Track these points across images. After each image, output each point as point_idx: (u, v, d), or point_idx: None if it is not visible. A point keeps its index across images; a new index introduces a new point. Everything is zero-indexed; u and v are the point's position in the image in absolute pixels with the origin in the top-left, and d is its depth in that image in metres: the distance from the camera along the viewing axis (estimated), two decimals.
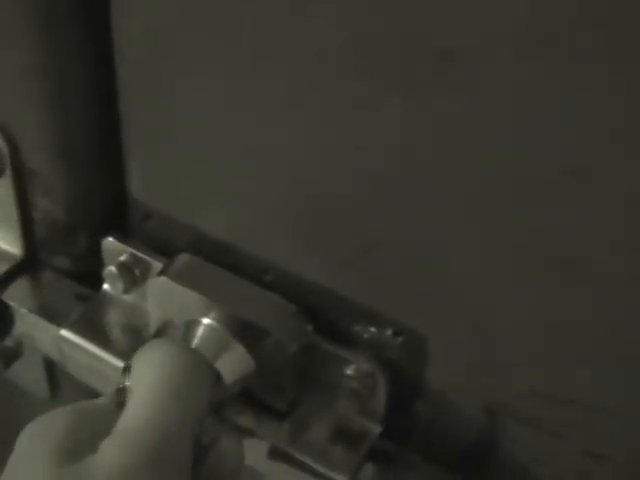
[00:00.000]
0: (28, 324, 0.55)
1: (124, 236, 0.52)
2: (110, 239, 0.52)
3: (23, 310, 0.55)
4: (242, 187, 0.47)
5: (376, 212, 0.43)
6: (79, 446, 0.38)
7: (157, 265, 0.51)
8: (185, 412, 0.39)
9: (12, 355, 0.59)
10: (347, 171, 0.43)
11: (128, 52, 0.46)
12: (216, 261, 0.49)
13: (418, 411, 0.48)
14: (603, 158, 0.36)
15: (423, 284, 0.44)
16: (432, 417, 0.47)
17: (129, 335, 0.53)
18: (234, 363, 0.47)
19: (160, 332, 0.51)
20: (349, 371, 0.47)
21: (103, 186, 0.53)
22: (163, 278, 0.49)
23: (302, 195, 0.45)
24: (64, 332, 0.52)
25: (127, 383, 0.42)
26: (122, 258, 0.51)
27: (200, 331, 0.48)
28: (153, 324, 0.51)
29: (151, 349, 0.42)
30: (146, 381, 0.40)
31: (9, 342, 0.58)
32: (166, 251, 0.51)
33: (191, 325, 0.48)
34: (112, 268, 0.51)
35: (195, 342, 0.48)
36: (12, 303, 0.55)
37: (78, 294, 0.55)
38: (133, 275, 0.51)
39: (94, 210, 0.53)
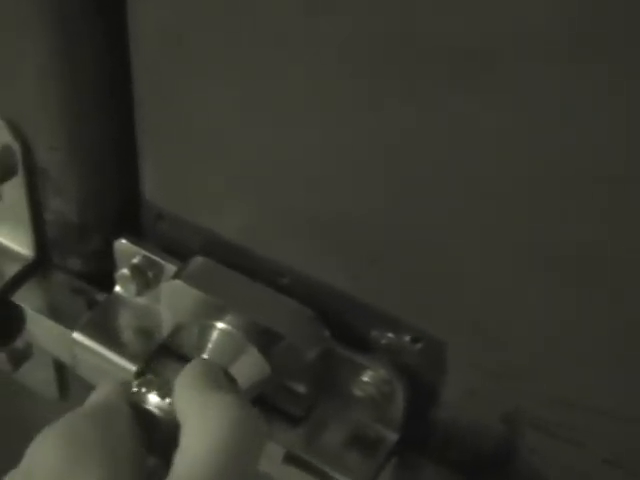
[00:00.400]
0: (39, 326, 0.55)
1: (137, 238, 0.51)
2: (122, 241, 0.51)
3: (34, 312, 0.54)
4: (257, 189, 0.46)
5: (396, 216, 0.42)
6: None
7: (170, 267, 0.50)
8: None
9: (22, 356, 0.59)
10: (365, 173, 0.42)
11: (143, 52, 0.45)
12: (230, 264, 0.49)
13: (435, 418, 0.47)
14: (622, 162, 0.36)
15: (442, 290, 0.43)
16: (450, 424, 0.47)
17: (141, 338, 0.52)
18: (249, 369, 0.47)
19: (174, 336, 0.50)
20: (366, 377, 0.46)
21: (116, 187, 0.52)
22: (177, 281, 0.48)
23: (318, 197, 0.44)
24: (76, 335, 0.51)
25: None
26: (135, 260, 0.51)
27: (214, 336, 0.47)
28: (166, 327, 0.51)
29: (213, 405, 0.40)
30: (207, 445, 0.38)
31: (19, 343, 0.58)
32: (179, 253, 0.50)
33: (205, 329, 0.48)
34: (125, 270, 0.51)
35: (209, 347, 0.47)
36: (23, 305, 0.54)
37: (90, 296, 0.54)
38: (146, 277, 0.51)
39: (106, 211, 0.53)
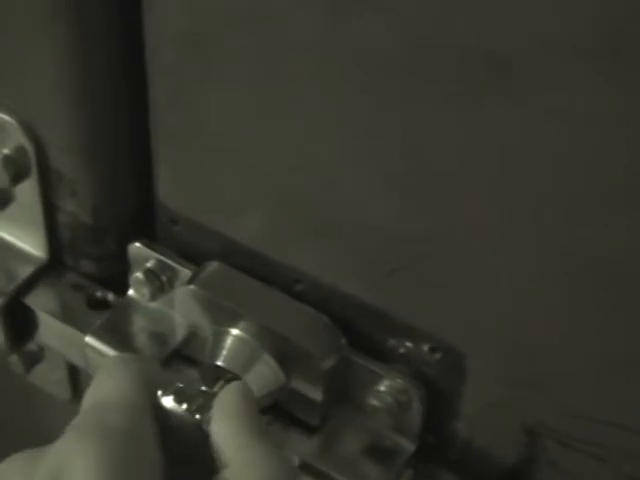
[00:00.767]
0: (51, 329, 0.54)
1: (151, 241, 0.50)
2: (137, 244, 0.50)
3: (46, 315, 0.54)
4: (273, 194, 0.45)
5: (415, 224, 0.41)
6: None
7: (184, 272, 0.49)
8: None
9: (34, 359, 0.58)
10: (383, 181, 0.41)
11: (159, 54, 0.44)
12: (245, 269, 0.48)
13: (454, 429, 0.46)
14: None
15: (461, 300, 0.42)
16: (469, 436, 0.46)
17: (154, 343, 0.51)
18: (264, 376, 0.46)
19: (187, 341, 0.50)
20: (383, 386, 0.46)
21: (130, 190, 0.51)
22: (191, 286, 0.47)
23: (335, 204, 0.44)
24: (88, 338, 0.51)
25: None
26: (149, 264, 0.50)
27: (229, 342, 0.47)
28: (180, 333, 0.50)
29: (258, 456, 0.38)
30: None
31: (31, 346, 0.57)
32: (194, 258, 0.49)
33: (219, 336, 0.47)
34: (138, 274, 0.50)
35: (223, 353, 0.46)
36: (35, 307, 0.54)
37: (103, 299, 0.53)
38: (160, 281, 0.50)
39: (120, 214, 0.52)
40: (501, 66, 0.35)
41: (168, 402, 0.39)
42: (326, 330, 0.46)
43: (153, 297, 0.50)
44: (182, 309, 0.49)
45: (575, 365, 0.41)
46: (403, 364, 0.45)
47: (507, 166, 0.38)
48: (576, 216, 0.37)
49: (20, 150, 0.50)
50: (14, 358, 0.58)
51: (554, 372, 0.42)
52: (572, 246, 0.38)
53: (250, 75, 0.42)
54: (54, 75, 0.47)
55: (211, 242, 0.49)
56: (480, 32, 0.35)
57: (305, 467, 0.47)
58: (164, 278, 0.50)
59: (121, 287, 0.52)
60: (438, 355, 0.44)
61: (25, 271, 0.54)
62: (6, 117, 0.50)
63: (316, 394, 0.46)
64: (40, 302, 0.54)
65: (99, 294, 0.54)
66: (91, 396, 0.39)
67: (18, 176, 0.51)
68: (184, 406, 0.39)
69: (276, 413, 0.48)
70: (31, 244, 0.55)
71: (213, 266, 0.48)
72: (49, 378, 0.61)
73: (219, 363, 0.46)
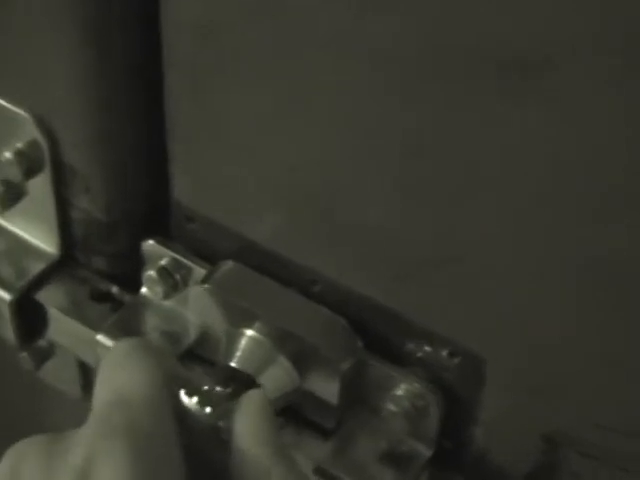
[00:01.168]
0: (62, 326, 0.53)
1: (165, 239, 0.49)
2: (150, 242, 0.49)
3: (57, 311, 0.53)
4: (290, 194, 0.45)
5: (432, 229, 0.41)
6: None
7: (199, 270, 0.48)
8: None
9: (44, 355, 0.58)
10: (401, 185, 0.41)
11: (176, 50, 0.43)
12: (261, 269, 0.47)
13: (472, 435, 0.45)
14: None
15: (481, 305, 0.41)
16: (487, 442, 0.45)
17: (167, 342, 0.50)
18: (278, 378, 0.45)
19: (200, 341, 0.49)
20: (400, 391, 0.45)
21: (145, 187, 0.51)
22: (206, 286, 0.47)
23: (352, 206, 0.43)
24: (100, 337, 0.50)
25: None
26: (162, 262, 0.49)
27: (243, 343, 0.46)
28: (193, 332, 0.49)
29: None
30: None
31: (42, 342, 0.56)
32: (208, 256, 0.48)
33: (234, 336, 0.46)
34: (152, 272, 0.49)
35: (237, 354, 0.46)
36: (46, 304, 0.53)
37: (115, 297, 0.53)
38: (173, 280, 0.49)
39: (134, 211, 0.51)
40: (515, 67, 0.34)
41: (191, 404, 0.39)
42: (342, 332, 0.45)
43: (166, 296, 0.49)
44: (196, 308, 0.48)
45: (597, 374, 0.40)
46: (420, 368, 0.45)
47: (523, 173, 0.37)
48: (591, 220, 0.37)
49: (33, 145, 0.50)
50: (24, 354, 0.57)
51: (574, 380, 0.41)
52: (597, 251, 0.37)
53: (266, 70, 0.41)
54: (69, 70, 0.46)
55: (226, 241, 0.48)
56: (496, 33, 0.35)
57: (319, 471, 0.46)
58: (178, 276, 0.49)
59: (134, 285, 0.51)
60: (456, 360, 0.43)
61: (36, 267, 0.54)
62: (20, 111, 0.49)
63: (331, 397, 0.46)
64: (51, 298, 0.53)
65: (102, 286, 0.53)
66: (108, 388, 0.38)
67: (31, 171, 0.50)
68: (207, 410, 0.38)
69: (290, 415, 0.47)
70: (43, 240, 0.54)
71: (228, 265, 0.47)
72: (59, 375, 0.60)
73: (233, 364, 0.45)
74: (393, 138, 0.40)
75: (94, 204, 0.51)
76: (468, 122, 0.37)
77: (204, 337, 0.49)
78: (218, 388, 0.44)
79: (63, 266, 0.54)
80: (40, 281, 0.53)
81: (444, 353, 0.44)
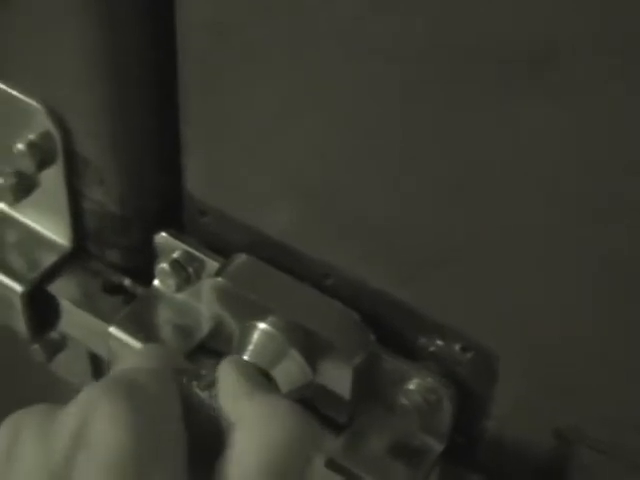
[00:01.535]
0: (74, 318, 0.53)
1: (178, 232, 0.49)
2: (163, 234, 0.49)
3: (69, 303, 0.53)
4: (304, 187, 0.44)
5: (448, 221, 0.40)
6: None
7: (212, 264, 0.48)
8: None
9: (56, 347, 0.58)
10: (415, 176, 0.40)
11: (190, 41, 0.43)
12: (274, 262, 0.47)
13: (484, 430, 0.45)
14: None
15: (495, 299, 0.41)
16: (499, 438, 0.45)
17: (179, 335, 0.50)
18: (291, 372, 0.45)
19: (213, 335, 0.49)
20: (412, 385, 0.45)
21: (158, 179, 0.50)
22: (219, 279, 0.47)
23: (367, 198, 0.43)
24: (112, 329, 0.50)
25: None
26: (175, 255, 0.49)
27: (256, 337, 0.46)
28: (206, 326, 0.49)
29: (269, 404, 0.37)
30: (258, 445, 0.35)
31: (54, 334, 0.56)
32: (221, 250, 0.48)
33: (246, 330, 0.46)
34: (164, 265, 0.49)
35: (250, 348, 0.46)
36: (58, 296, 0.53)
37: (128, 290, 0.53)
38: (186, 273, 0.49)
39: (148, 204, 0.51)
40: (517, 64, 0.34)
41: (204, 396, 0.38)
42: (355, 326, 0.45)
43: (179, 288, 0.49)
44: (209, 301, 0.48)
45: (611, 371, 0.40)
46: (433, 363, 0.45)
47: (541, 164, 0.37)
48: (611, 218, 0.37)
49: (46, 136, 0.50)
50: (36, 346, 0.57)
51: (588, 377, 0.41)
52: (608, 249, 0.37)
53: (280, 65, 0.41)
54: (83, 61, 0.46)
55: (239, 234, 0.48)
56: (498, 29, 0.34)
57: (331, 464, 0.46)
58: (190, 269, 0.49)
59: (146, 278, 0.51)
60: (469, 355, 0.43)
61: (49, 259, 0.54)
62: (33, 102, 0.49)
63: (344, 391, 0.46)
64: (63, 290, 0.53)
65: (115, 279, 0.53)
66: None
67: (44, 162, 0.50)
68: (206, 393, 0.38)
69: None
70: (55, 232, 0.54)
71: (241, 258, 0.47)
72: (71, 368, 0.60)
73: (246, 358, 0.45)
74: (409, 131, 0.39)
75: (108, 196, 0.51)
76: (473, 119, 0.37)
77: (217, 330, 0.49)
78: None
79: (75, 258, 0.54)
80: (52, 273, 0.53)
81: (457, 347, 0.43)
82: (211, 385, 0.39)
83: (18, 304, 0.53)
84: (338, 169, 0.43)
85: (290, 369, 0.45)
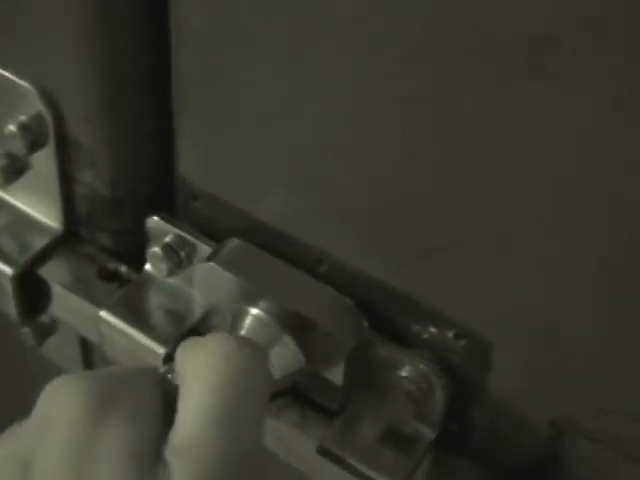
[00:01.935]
0: (65, 302, 0.53)
1: (170, 216, 0.49)
2: (155, 218, 0.49)
3: (60, 287, 0.53)
4: (300, 172, 0.44)
5: (446, 209, 0.40)
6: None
7: (204, 248, 0.48)
8: (249, 419, 0.36)
9: (47, 331, 0.57)
10: (423, 167, 0.40)
11: (184, 25, 0.43)
12: (267, 248, 0.47)
13: (477, 419, 0.45)
14: None
15: (490, 286, 0.41)
16: (492, 426, 0.45)
17: (171, 320, 0.50)
18: (283, 358, 0.45)
19: (205, 320, 0.49)
20: (404, 372, 0.44)
21: (150, 163, 0.50)
22: (211, 264, 0.46)
23: (364, 184, 0.42)
24: (103, 313, 0.50)
25: (171, 375, 0.39)
26: (167, 239, 0.49)
27: (248, 322, 0.45)
28: (198, 311, 0.49)
29: (206, 345, 0.38)
30: (204, 387, 0.36)
31: (44, 318, 0.56)
32: (214, 235, 0.48)
33: (239, 315, 0.46)
34: (156, 249, 0.48)
35: (242, 333, 0.45)
36: (49, 279, 0.53)
37: (119, 274, 0.52)
38: (178, 257, 0.49)
39: (139, 187, 0.51)
40: (543, 49, 0.34)
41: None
42: (348, 312, 0.45)
43: (171, 273, 0.49)
44: (201, 286, 0.48)
45: (606, 359, 0.40)
46: (426, 350, 0.44)
47: (545, 154, 0.36)
48: (615, 206, 0.36)
49: (38, 118, 0.49)
50: (26, 329, 0.57)
51: (583, 366, 0.40)
52: (607, 239, 0.37)
53: (278, 50, 0.41)
54: (76, 44, 0.45)
55: (232, 219, 0.47)
56: (523, 13, 0.34)
57: (322, 451, 0.45)
58: (182, 254, 0.49)
59: (137, 262, 0.51)
60: (463, 342, 0.43)
61: (39, 242, 0.53)
62: (25, 84, 0.49)
63: (336, 378, 0.45)
64: (54, 274, 0.53)
65: (111, 266, 0.53)
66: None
67: (35, 144, 0.50)
68: None
69: (295, 396, 0.47)
70: (46, 215, 0.53)
71: (234, 243, 0.47)
72: (61, 352, 0.60)
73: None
74: (407, 118, 0.39)
75: (99, 179, 0.50)
76: (491, 103, 0.36)
77: (208, 315, 0.49)
78: None
79: (66, 242, 0.53)
80: (43, 256, 0.53)
81: (450, 335, 0.43)
82: None
83: (8, 287, 0.53)
84: (334, 155, 0.42)
85: (282, 355, 0.45)
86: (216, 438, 0.35)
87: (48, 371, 0.64)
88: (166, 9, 0.43)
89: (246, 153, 0.45)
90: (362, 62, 0.39)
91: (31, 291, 0.53)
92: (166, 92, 0.46)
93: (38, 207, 0.53)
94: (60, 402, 0.35)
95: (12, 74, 0.49)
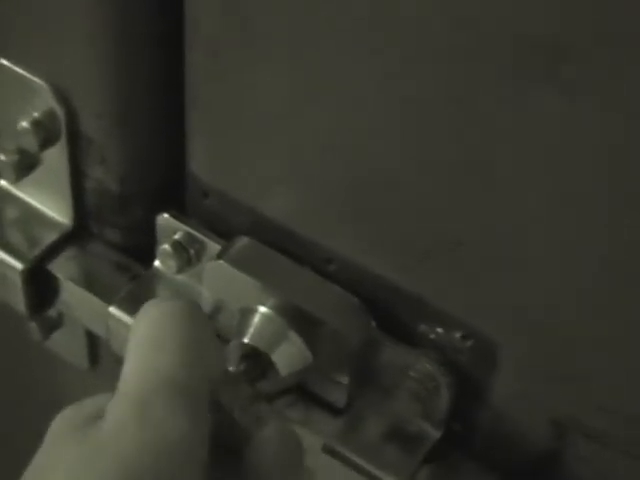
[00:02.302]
0: (73, 297, 0.53)
1: (180, 213, 0.49)
2: (165, 215, 0.49)
3: (69, 282, 0.53)
4: (310, 171, 0.44)
5: (454, 211, 0.41)
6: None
7: (213, 246, 0.48)
8: (176, 363, 0.36)
9: (53, 325, 0.58)
10: (433, 167, 0.40)
11: (200, 23, 0.43)
12: (276, 247, 0.47)
13: (481, 418, 0.45)
14: None
15: (497, 288, 0.41)
16: (495, 425, 0.45)
17: None
18: (290, 355, 0.45)
19: (213, 317, 0.49)
20: (411, 371, 0.45)
21: (161, 160, 0.50)
22: (220, 262, 0.47)
23: (371, 185, 0.43)
24: (112, 309, 0.50)
25: None
26: (177, 236, 0.49)
27: (256, 320, 0.46)
28: (206, 308, 0.49)
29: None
30: (136, 336, 0.37)
31: (51, 312, 0.56)
32: (223, 233, 0.48)
33: (247, 313, 0.46)
34: (166, 246, 0.49)
35: (250, 331, 0.46)
36: (58, 274, 0.53)
37: (128, 270, 0.53)
38: (187, 255, 0.49)
39: (150, 184, 0.51)
40: (557, 54, 0.34)
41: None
42: (355, 311, 0.45)
43: (180, 270, 0.49)
44: (209, 284, 0.48)
45: (610, 360, 0.40)
46: (433, 350, 0.45)
47: (545, 154, 0.37)
48: (620, 208, 0.37)
49: (50, 114, 0.50)
50: (33, 324, 0.57)
51: (587, 366, 0.41)
52: (610, 240, 0.37)
53: (288, 49, 0.41)
54: (90, 41, 0.46)
55: (242, 217, 0.48)
56: (523, 13, 0.34)
57: (327, 449, 0.46)
58: (192, 251, 0.49)
59: (147, 258, 0.51)
60: (469, 343, 0.44)
61: (49, 237, 0.54)
62: (38, 80, 0.49)
63: (342, 376, 0.46)
64: (64, 269, 0.53)
65: (120, 261, 0.53)
66: (145, 366, 0.37)
67: (47, 141, 0.50)
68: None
69: (301, 393, 0.47)
70: (56, 210, 0.54)
71: (243, 241, 0.47)
72: (68, 346, 0.60)
73: (245, 340, 0.45)
74: (416, 118, 0.40)
75: (109, 175, 0.51)
76: (502, 106, 0.37)
77: (217, 313, 0.49)
78: (230, 368, 0.44)
79: (76, 237, 0.54)
80: (52, 251, 0.53)
81: (457, 335, 0.44)
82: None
83: (18, 282, 0.53)
84: (343, 155, 0.43)
85: (290, 352, 0.45)
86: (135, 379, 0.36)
87: (53, 365, 0.65)
88: (180, 8, 0.44)
89: (256, 151, 0.45)
90: (370, 63, 0.39)
91: (40, 286, 0.54)
92: (178, 90, 0.46)
93: (48, 202, 0.54)
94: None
95: (25, 71, 0.49)
